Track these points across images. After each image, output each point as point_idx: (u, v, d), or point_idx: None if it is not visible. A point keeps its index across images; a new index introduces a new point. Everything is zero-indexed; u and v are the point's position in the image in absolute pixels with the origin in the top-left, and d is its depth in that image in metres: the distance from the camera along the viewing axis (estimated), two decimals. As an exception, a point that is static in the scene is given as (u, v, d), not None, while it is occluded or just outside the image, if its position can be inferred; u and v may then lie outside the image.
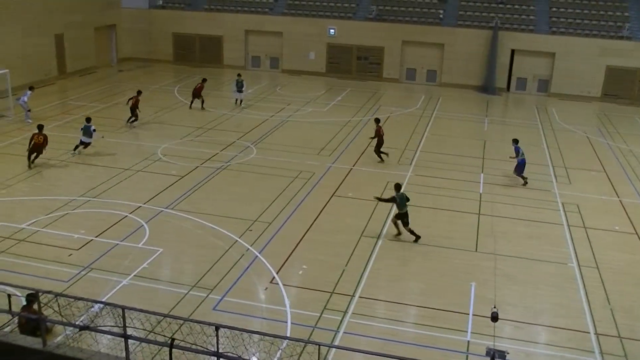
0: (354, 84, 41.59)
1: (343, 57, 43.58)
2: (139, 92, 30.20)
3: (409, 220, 18.86)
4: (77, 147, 25.42)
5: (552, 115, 35.55)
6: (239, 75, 35.13)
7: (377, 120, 26.67)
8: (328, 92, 39.32)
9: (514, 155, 24.18)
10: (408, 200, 18.96)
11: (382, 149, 26.02)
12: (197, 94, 33.31)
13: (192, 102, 33.37)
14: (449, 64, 41.87)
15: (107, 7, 44.19)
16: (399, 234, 19.17)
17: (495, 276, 17.00)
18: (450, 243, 18.99)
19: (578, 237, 19.89)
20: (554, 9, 41.82)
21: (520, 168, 24.00)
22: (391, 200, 19.18)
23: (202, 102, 33.31)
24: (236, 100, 34.78)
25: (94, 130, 25.30)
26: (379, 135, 25.99)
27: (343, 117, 32.99)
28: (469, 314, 15.27)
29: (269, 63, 45.30)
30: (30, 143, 23.69)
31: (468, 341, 14.22)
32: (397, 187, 19.38)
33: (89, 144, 25.44)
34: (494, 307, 12.11)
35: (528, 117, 35.14)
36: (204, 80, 34.28)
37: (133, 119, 29.64)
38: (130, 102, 29.52)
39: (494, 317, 11.38)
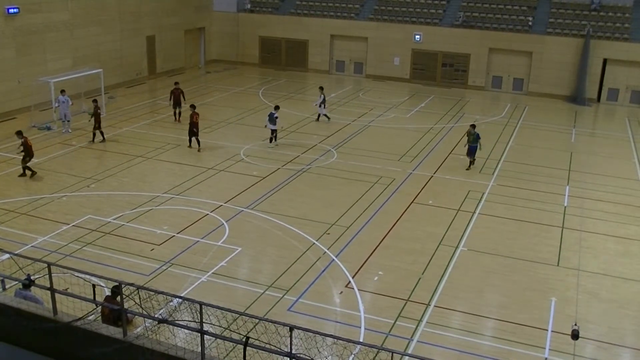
0: (438, 91, 41.09)
1: (428, 64, 43.12)
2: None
3: None
4: (271, 138, 27.52)
5: (645, 128, 34.10)
6: None
7: (193, 107, 27.12)
8: (411, 99, 39.01)
9: None
10: None
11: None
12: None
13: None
14: (536, 73, 40.76)
15: (199, 10, 45.45)
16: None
17: (577, 293, 16.42)
18: (533, 256, 18.47)
19: (669, 256, 18.98)
20: (652, 18, 40.12)
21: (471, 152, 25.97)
22: None
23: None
24: None
25: (277, 117, 27.29)
26: (192, 121, 26.60)
27: (426, 124, 32.66)
28: (548, 330, 14.82)
29: (353, 68, 45.35)
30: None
31: (546, 358, 13.79)
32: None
33: (275, 131, 27.55)
34: (575, 325, 11.72)
35: (619, 129, 33.80)
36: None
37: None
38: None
39: (575, 335, 11.04)
